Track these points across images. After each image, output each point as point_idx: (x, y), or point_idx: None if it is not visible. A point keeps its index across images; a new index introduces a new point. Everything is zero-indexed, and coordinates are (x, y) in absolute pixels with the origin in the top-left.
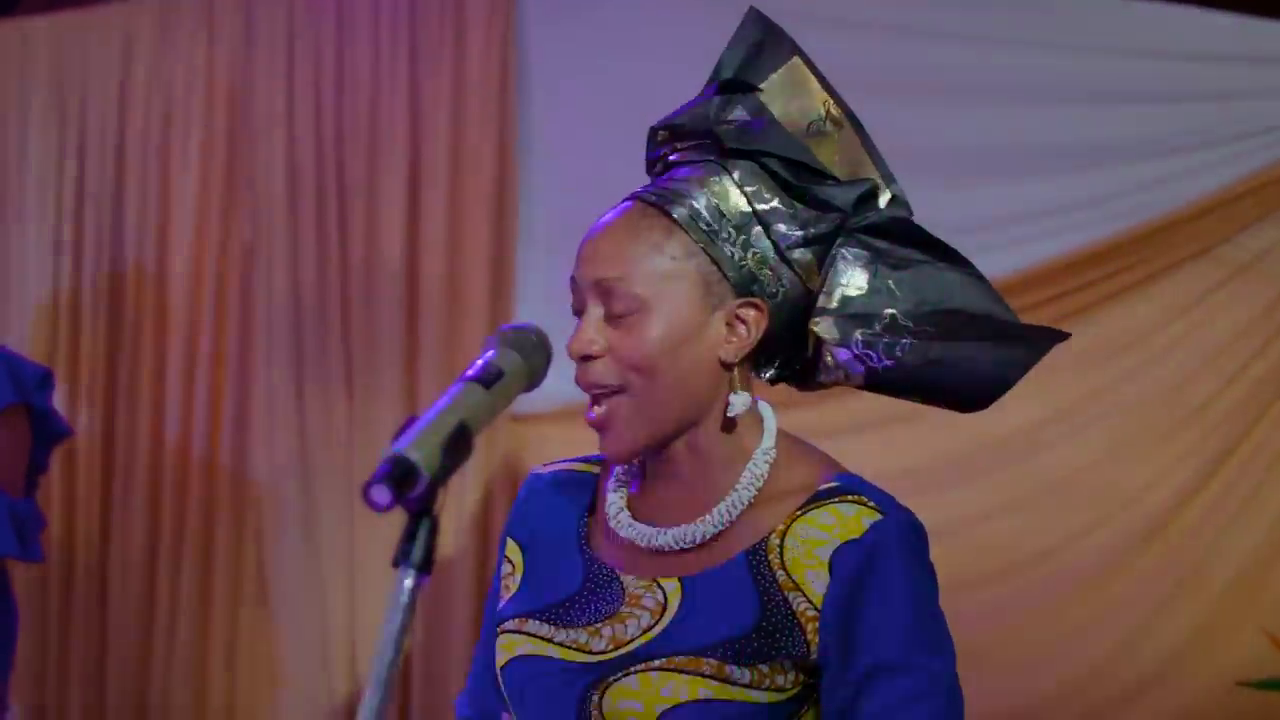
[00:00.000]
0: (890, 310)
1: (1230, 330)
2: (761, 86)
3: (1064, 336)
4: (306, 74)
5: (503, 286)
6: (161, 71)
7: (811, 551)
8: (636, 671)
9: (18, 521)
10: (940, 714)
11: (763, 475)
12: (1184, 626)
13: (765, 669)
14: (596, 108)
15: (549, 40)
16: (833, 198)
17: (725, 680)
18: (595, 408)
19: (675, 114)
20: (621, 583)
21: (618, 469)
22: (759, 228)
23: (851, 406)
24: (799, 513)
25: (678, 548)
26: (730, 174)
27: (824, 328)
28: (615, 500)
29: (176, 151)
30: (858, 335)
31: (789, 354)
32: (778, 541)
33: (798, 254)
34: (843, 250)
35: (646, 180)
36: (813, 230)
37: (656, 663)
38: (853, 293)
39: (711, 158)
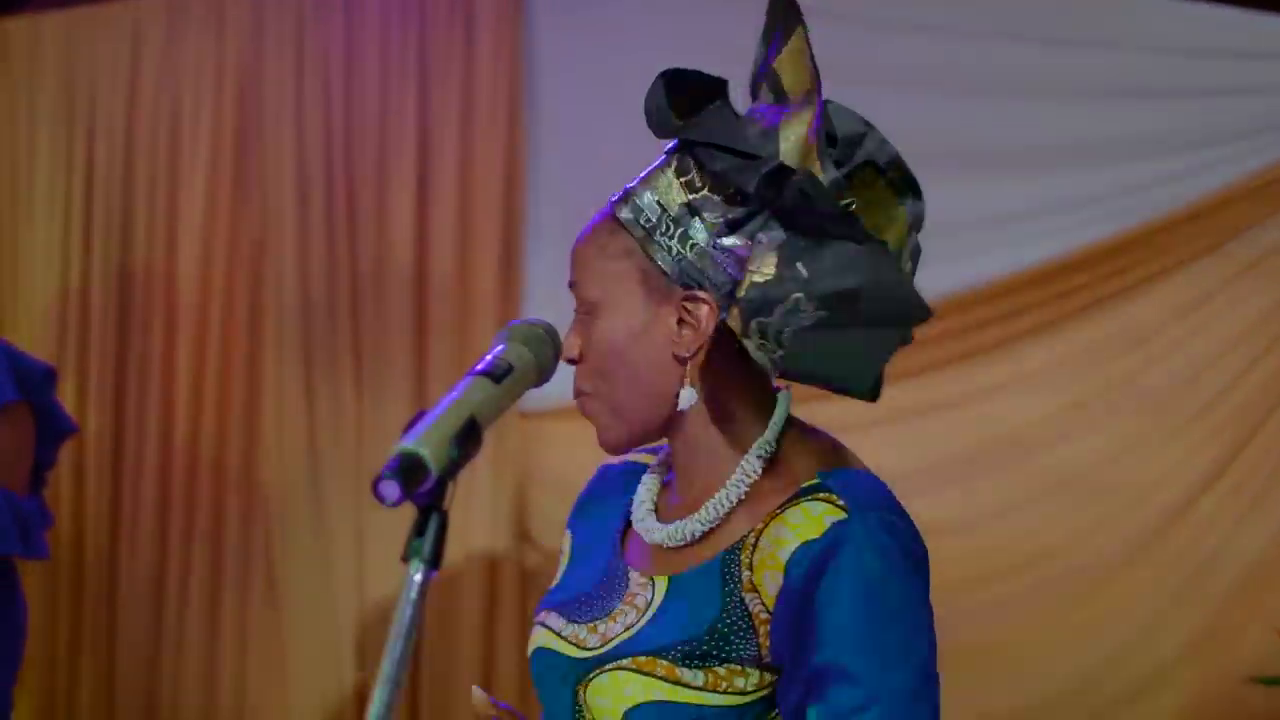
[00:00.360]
0: (797, 295)
1: (1239, 327)
2: (775, 64)
3: (929, 315)
4: (316, 70)
5: (512, 283)
6: (171, 67)
7: (775, 553)
8: (608, 670)
9: (21, 519)
10: None
11: (755, 470)
12: (1194, 622)
13: (722, 671)
14: (606, 104)
15: (559, 36)
16: (742, 181)
17: (677, 683)
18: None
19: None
20: (628, 579)
21: (658, 459)
22: (695, 219)
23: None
24: (778, 511)
25: (671, 545)
26: (671, 166)
27: (732, 318)
28: (643, 493)
29: (186, 147)
30: (754, 325)
31: None
32: (753, 541)
33: (728, 242)
34: (759, 234)
35: None
36: (730, 215)
37: (625, 662)
38: (760, 279)
39: (666, 152)
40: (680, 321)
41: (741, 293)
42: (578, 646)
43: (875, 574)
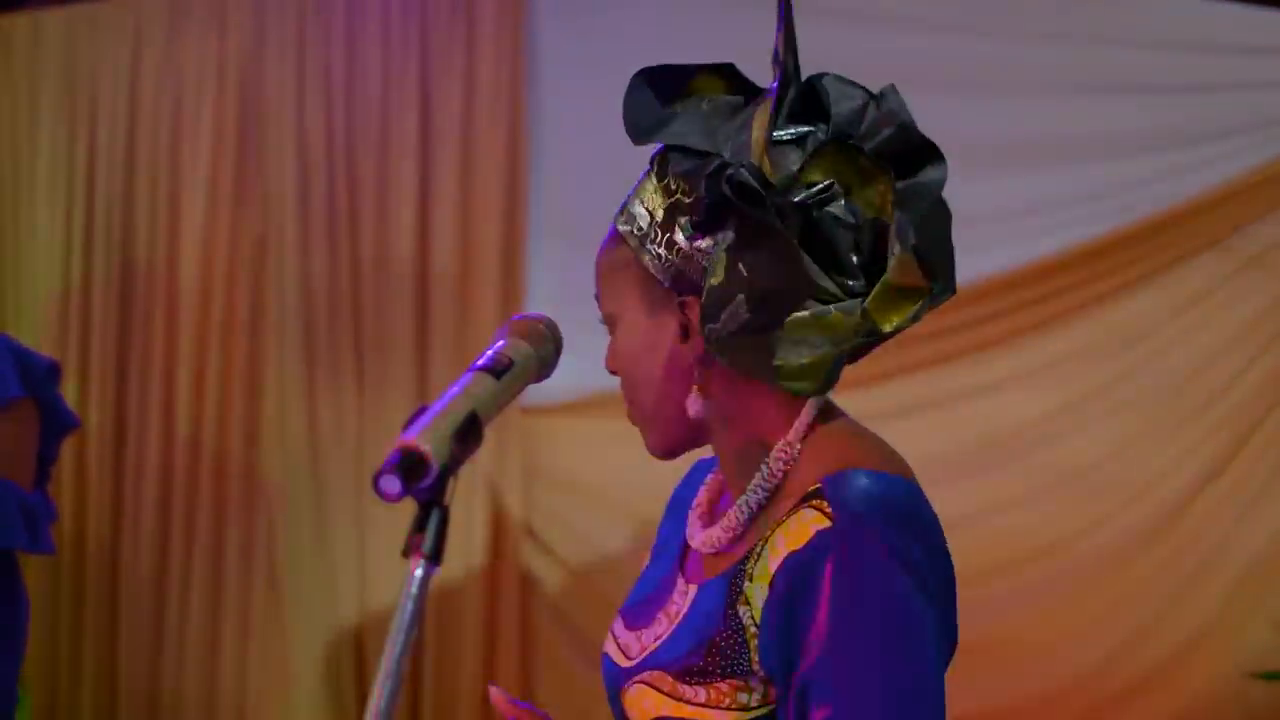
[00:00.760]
0: (741, 295)
1: (1239, 323)
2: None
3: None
4: (317, 66)
5: (513, 279)
6: (172, 64)
7: (767, 564)
8: (635, 682)
9: (28, 514)
10: None
11: (775, 474)
12: (1195, 618)
13: (724, 687)
14: (608, 102)
15: (560, 32)
16: (696, 184)
17: (680, 699)
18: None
19: None
20: (674, 586)
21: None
22: (675, 223)
23: (858, 400)
24: (784, 519)
25: (705, 551)
26: (654, 172)
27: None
28: (701, 494)
29: (187, 143)
30: (707, 330)
31: None
32: (760, 550)
33: (703, 244)
34: (718, 234)
35: None
36: (694, 217)
37: (645, 675)
38: (714, 282)
39: (650, 158)
40: (681, 328)
41: (704, 297)
42: (624, 655)
43: (855, 587)
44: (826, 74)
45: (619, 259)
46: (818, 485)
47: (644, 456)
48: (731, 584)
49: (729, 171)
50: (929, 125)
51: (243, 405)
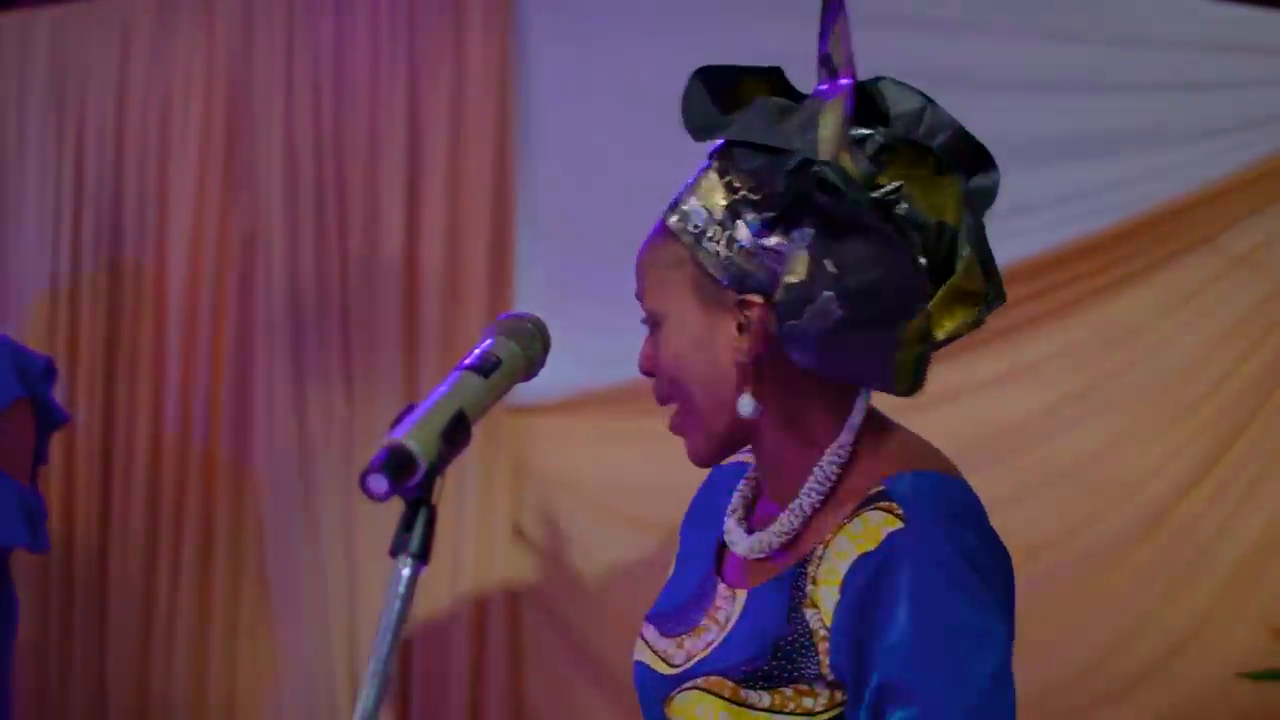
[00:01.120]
0: (827, 293)
1: (1231, 321)
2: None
3: (920, 305)
4: (306, 65)
5: (502, 277)
6: (160, 63)
7: (835, 566)
8: (686, 689)
9: (29, 512)
10: None
11: (830, 477)
12: (1184, 617)
13: (788, 692)
14: (596, 97)
15: (549, 34)
16: (772, 178)
17: (743, 704)
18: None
19: None
20: (715, 592)
21: (753, 464)
22: (738, 220)
23: None
24: (844, 521)
25: (754, 556)
26: (713, 168)
27: (771, 321)
28: (736, 500)
29: (175, 143)
30: (786, 328)
31: None
32: (820, 553)
33: (770, 241)
34: (794, 232)
35: (649, 173)
36: (768, 214)
37: (699, 681)
38: (793, 279)
39: (709, 154)
40: (740, 327)
41: (778, 295)
42: (666, 663)
43: (934, 588)
44: (882, 77)
45: (669, 256)
46: (881, 487)
47: (634, 456)
48: (793, 588)
49: (815, 168)
50: None
51: (231, 404)
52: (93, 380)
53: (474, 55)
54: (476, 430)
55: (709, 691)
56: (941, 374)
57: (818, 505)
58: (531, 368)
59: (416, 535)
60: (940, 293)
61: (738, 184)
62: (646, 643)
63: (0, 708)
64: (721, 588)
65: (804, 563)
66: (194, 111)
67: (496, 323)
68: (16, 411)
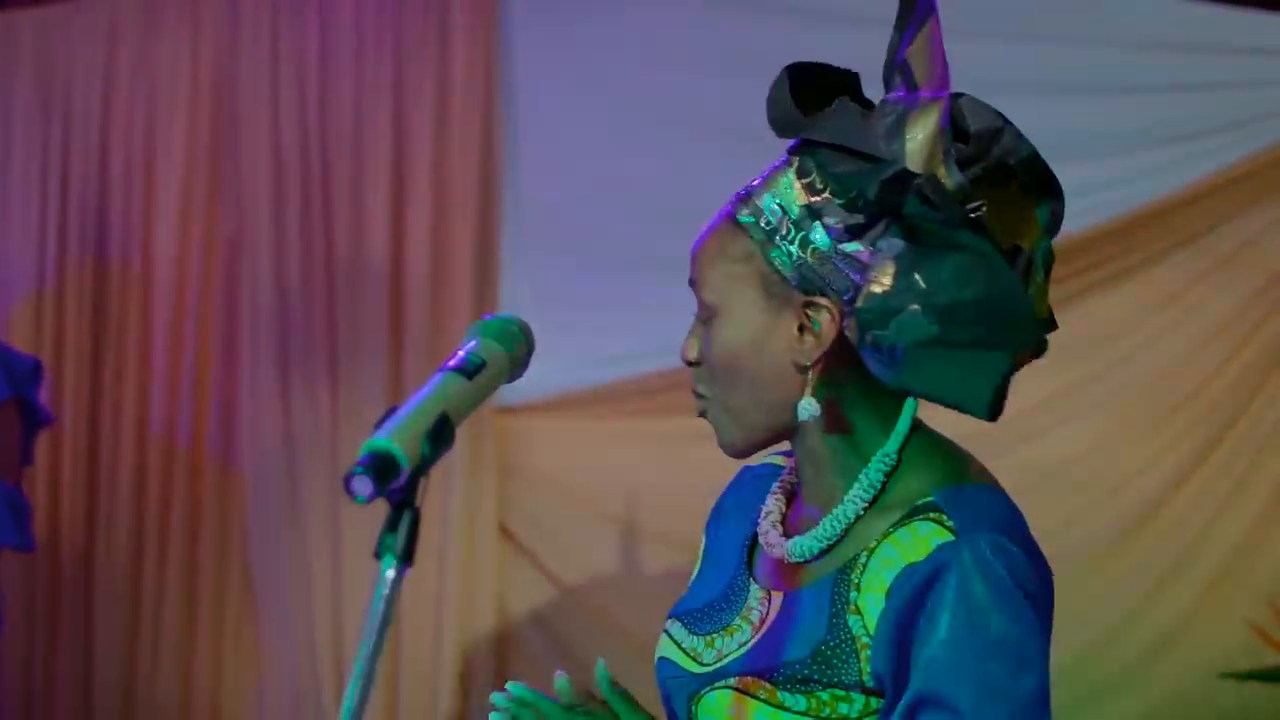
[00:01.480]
0: (914, 306)
1: (1215, 321)
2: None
3: (1044, 332)
4: (291, 65)
5: (487, 279)
6: (146, 63)
7: (880, 574)
8: (718, 688)
9: (17, 512)
10: None
11: (875, 484)
12: (1168, 617)
13: (825, 696)
14: (582, 103)
15: (534, 31)
16: (863, 186)
17: (779, 707)
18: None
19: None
20: (748, 593)
21: (790, 466)
22: (816, 223)
23: None
24: (890, 530)
25: (793, 560)
26: (793, 167)
27: (850, 328)
28: (771, 502)
29: (161, 142)
30: (869, 337)
31: None
32: (865, 560)
33: (850, 248)
34: (880, 242)
35: (633, 174)
36: (852, 220)
37: (732, 681)
38: (878, 289)
39: (788, 151)
40: (801, 329)
41: (860, 302)
42: (695, 661)
43: (979, 602)
44: (962, 93)
45: (736, 250)
46: (930, 498)
47: (620, 457)
48: (834, 593)
49: (916, 180)
50: None
51: (216, 405)
52: (79, 380)
53: (459, 57)
54: (460, 432)
55: (743, 692)
56: None
57: (862, 512)
58: (515, 369)
59: (401, 537)
60: None
61: (820, 185)
62: (673, 639)
63: None
64: (755, 589)
65: (847, 569)
66: (180, 112)
67: (480, 323)
68: (3, 412)
